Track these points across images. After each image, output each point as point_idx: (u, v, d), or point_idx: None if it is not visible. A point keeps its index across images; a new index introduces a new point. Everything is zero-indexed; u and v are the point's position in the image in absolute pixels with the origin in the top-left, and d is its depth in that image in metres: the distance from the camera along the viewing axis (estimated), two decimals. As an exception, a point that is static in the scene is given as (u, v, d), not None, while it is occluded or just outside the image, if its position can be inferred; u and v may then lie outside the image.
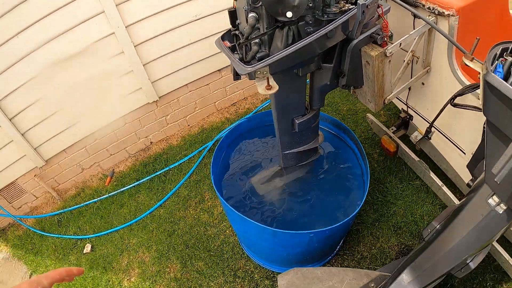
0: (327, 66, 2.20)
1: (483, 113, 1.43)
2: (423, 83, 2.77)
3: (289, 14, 1.74)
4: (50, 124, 3.54)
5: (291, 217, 2.82)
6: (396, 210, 3.27)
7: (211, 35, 3.77)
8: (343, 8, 1.90)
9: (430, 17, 2.31)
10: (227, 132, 3.11)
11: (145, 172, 3.95)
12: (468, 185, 2.34)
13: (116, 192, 3.83)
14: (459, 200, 2.88)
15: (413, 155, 3.21)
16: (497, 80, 1.25)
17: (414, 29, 2.44)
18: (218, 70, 4.15)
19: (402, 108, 3.28)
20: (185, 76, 3.96)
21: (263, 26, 1.88)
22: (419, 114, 3.04)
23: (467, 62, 1.54)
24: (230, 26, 2.16)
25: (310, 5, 1.84)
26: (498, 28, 2.53)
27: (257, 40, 1.91)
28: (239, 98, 4.59)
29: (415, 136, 3.20)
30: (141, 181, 3.87)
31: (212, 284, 2.99)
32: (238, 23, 2.08)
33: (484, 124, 2.02)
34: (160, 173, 3.90)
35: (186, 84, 4.04)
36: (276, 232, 2.36)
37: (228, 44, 2.15)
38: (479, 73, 1.38)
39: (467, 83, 2.35)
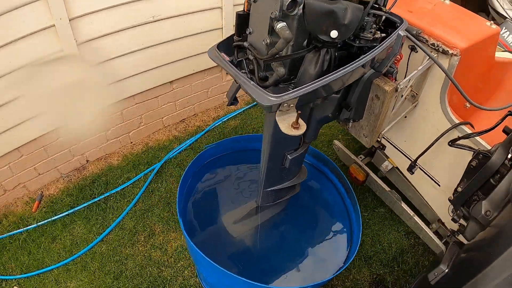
0: (333, 97, 1.94)
1: None
2: (405, 116, 2.69)
3: (333, 34, 1.45)
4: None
5: (266, 265, 2.53)
6: (364, 240, 3.19)
7: (169, 41, 3.30)
8: (376, 36, 1.66)
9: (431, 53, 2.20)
10: (193, 160, 2.68)
11: (81, 198, 3.29)
12: (453, 220, 2.24)
13: (46, 221, 3.11)
14: (430, 228, 2.87)
15: (383, 185, 3.13)
16: None
17: (408, 64, 2.34)
18: (170, 82, 3.67)
19: (375, 138, 3.19)
20: (132, 86, 3.41)
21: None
22: (394, 145, 2.95)
23: None
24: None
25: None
26: (485, 69, 2.59)
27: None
28: (189, 115, 4.13)
29: (386, 166, 3.15)
30: (76, 208, 3.20)
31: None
32: (250, 32, 1.68)
33: (471, 161, 1.95)
34: (99, 200, 3.27)
35: (133, 96, 3.48)
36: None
37: (227, 58, 1.76)
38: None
39: (456, 120, 2.35)
